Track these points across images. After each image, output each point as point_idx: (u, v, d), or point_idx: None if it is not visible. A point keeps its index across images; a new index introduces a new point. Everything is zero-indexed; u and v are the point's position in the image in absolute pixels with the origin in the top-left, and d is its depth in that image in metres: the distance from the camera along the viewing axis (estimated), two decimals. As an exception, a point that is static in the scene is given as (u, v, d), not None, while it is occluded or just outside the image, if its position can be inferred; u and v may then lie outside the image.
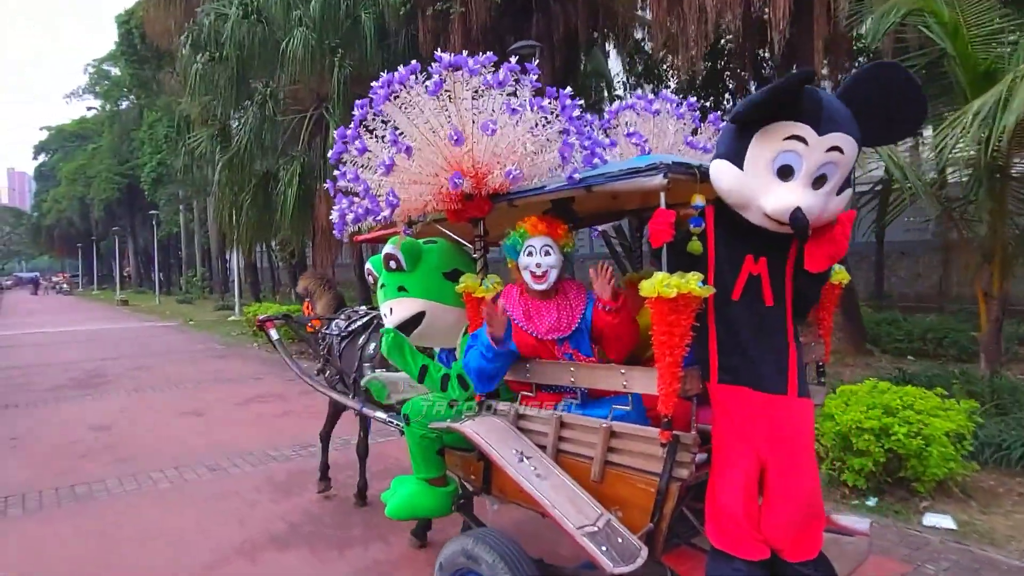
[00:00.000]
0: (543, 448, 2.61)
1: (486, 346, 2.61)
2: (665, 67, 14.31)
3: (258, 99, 12.00)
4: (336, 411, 4.93)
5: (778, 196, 2.09)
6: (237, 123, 13.00)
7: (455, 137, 2.53)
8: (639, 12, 12.41)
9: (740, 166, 2.15)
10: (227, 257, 36.21)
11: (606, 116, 3.30)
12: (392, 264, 3.08)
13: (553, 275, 2.69)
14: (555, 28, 11.94)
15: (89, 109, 52.74)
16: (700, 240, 2.27)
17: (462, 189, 2.60)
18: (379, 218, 2.85)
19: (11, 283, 66.58)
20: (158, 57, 27.30)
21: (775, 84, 2.05)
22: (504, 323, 2.61)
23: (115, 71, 45.66)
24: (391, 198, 2.68)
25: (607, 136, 3.18)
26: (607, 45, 15.19)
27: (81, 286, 63.03)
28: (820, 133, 2.05)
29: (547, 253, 2.67)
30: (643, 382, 2.28)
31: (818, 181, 2.10)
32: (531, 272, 2.68)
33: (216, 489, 5.23)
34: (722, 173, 2.20)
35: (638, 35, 14.30)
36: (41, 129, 63.93)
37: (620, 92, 17.58)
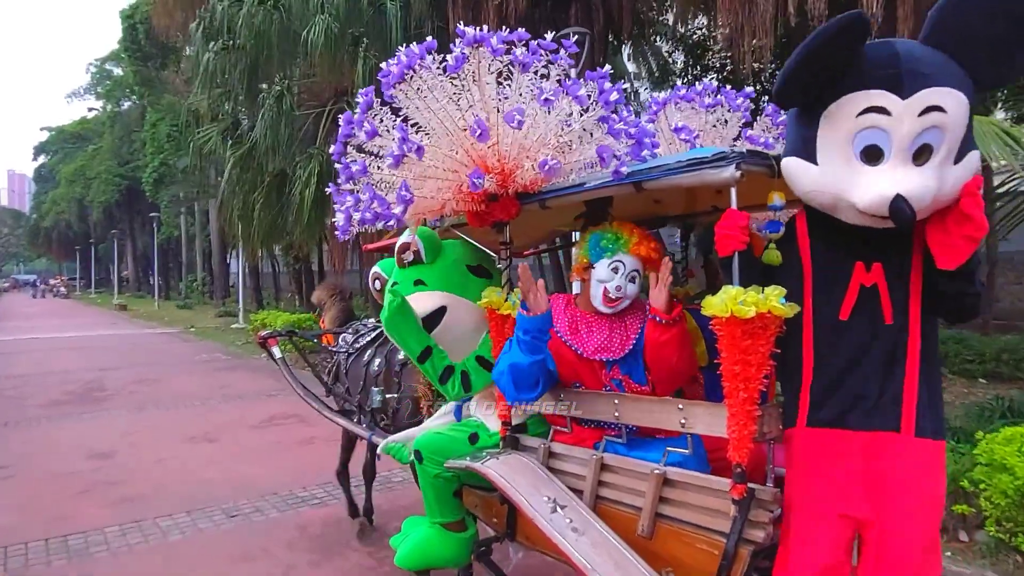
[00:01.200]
0: (579, 493, 2.28)
1: (524, 327, 2.24)
2: (713, 58, 13.45)
3: (275, 91, 11.11)
4: (350, 438, 4.51)
5: (869, 186, 1.71)
6: (250, 118, 12.07)
7: (478, 130, 2.14)
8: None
9: (813, 160, 1.80)
10: (228, 261, 35.54)
11: (651, 108, 2.86)
12: (409, 256, 2.74)
13: (625, 304, 2.33)
14: (595, 19, 11.14)
15: (90, 110, 52.31)
16: (787, 248, 1.94)
17: (484, 189, 2.24)
18: (390, 222, 2.43)
19: (8, 285, 65.60)
20: (163, 54, 26.68)
21: (806, 42, 1.66)
22: (546, 298, 2.28)
23: (117, 71, 45.15)
24: (404, 192, 2.26)
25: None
26: (646, 40, 14.38)
27: (79, 289, 62.11)
28: (904, 95, 1.66)
29: (633, 280, 2.31)
30: (707, 421, 1.96)
31: (920, 155, 1.70)
32: (605, 291, 2.29)
33: (239, 545, 4.30)
34: (795, 173, 1.85)
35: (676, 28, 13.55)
36: (42, 130, 63.10)
37: (644, 91, 16.91)
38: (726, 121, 2.81)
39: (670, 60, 16.10)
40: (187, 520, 4.73)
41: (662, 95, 2.88)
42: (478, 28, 2.22)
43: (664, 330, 2.15)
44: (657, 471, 2.08)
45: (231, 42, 11.21)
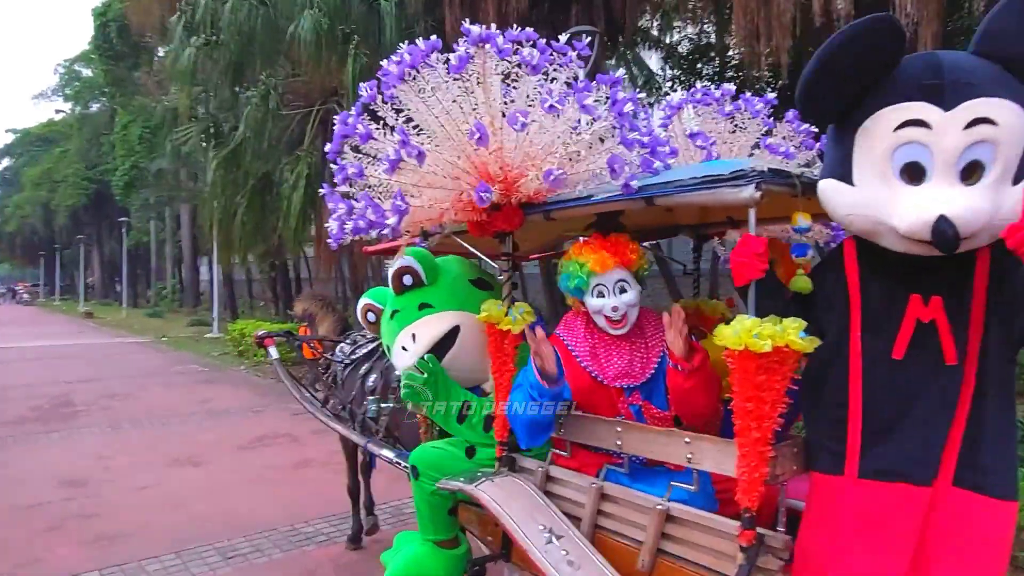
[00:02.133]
0: (577, 520, 2.18)
1: (536, 388, 2.10)
2: (707, 64, 13.19)
3: (260, 90, 10.53)
4: (352, 450, 4.29)
5: (910, 207, 1.56)
6: (233, 118, 11.46)
7: (478, 134, 2.02)
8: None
9: (850, 181, 1.67)
10: (199, 269, 34.57)
11: (665, 113, 2.74)
12: (407, 280, 2.61)
13: (633, 315, 2.21)
14: (597, 18, 10.77)
15: (58, 112, 50.77)
16: (833, 277, 1.81)
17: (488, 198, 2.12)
18: (384, 231, 2.25)
19: None
20: (135, 54, 25.79)
21: (828, 42, 1.56)
22: (553, 355, 2.13)
23: (87, 72, 43.90)
24: (399, 203, 2.14)
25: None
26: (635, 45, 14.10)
27: (42, 296, 60.13)
28: (947, 107, 1.53)
29: (623, 290, 2.18)
30: (716, 459, 1.84)
31: (970, 173, 1.54)
32: (606, 317, 2.19)
33: (241, 594, 3.77)
34: (832, 196, 1.71)
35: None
36: (7, 132, 61.01)
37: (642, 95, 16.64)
38: (744, 128, 2.65)
39: (662, 68, 15.88)
40: (177, 564, 4.16)
41: (676, 98, 2.73)
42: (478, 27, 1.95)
43: (686, 378, 2.03)
44: (660, 507, 1.97)
45: (213, 37, 10.62)
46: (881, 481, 1.70)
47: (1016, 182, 1.56)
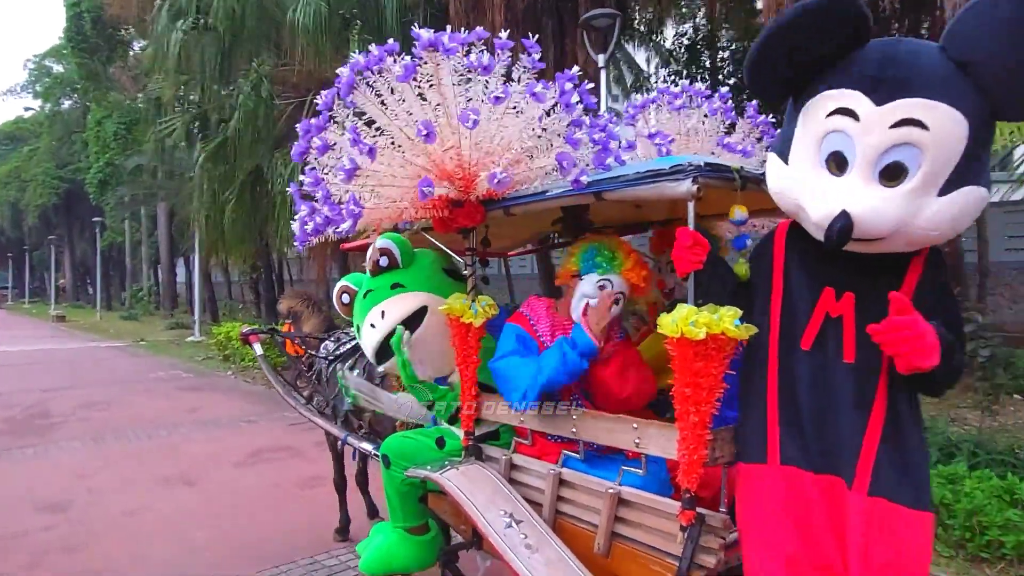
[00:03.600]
0: (538, 507, 2.26)
1: (584, 350, 2.11)
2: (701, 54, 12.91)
3: (252, 77, 9.87)
4: (339, 445, 4.26)
5: (824, 196, 1.55)
6: (221, 108, 10.75)
7: (425, 131, 2.06)
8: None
9: (786, 159, 1.67)
10: (176, 271, 33.55)
11: (629, 113, 2.78)
12: (384, 260, 2.70)
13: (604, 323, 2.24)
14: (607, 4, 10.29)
15: (27, 109, 49.14)
16: (763, 261, 1.84)
17: (448, 195, 2.25)
18: (339, 229, 2.35)
19: None
20: (110, 46, 24.85)
21: (782, 14, 1.51)
22: (612, 315, 2.21)
23: (58, 67, 42.54)
24: (352, 207, 2.22)
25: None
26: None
27: (10, 299, 58.29)
28: (879, 102, 1.46)
29: (617, 301, 2.26)
30: (661, 443, 1.89)
31: (889, 173, 1.49)
32: (586, 306, 2.24)
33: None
34: (770, 170, 1.74)
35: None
36: (-28, 130, 59.03)
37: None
38: (704, 126, 2.69)
39: (660, 65, 15.56)
40: (182, 607, 3.57)
41: (641, 98, 2.78)
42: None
43: (601, 367, 2.19)
44: (611, 490, 2.05)
45: (201, 21, 9.94)
46: (802, 469, 1.72)
47: (944, 193, 1.49)
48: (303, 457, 6.55)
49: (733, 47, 13.69)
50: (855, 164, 1.53)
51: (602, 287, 2.24)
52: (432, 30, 2.07)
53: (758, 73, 1.65)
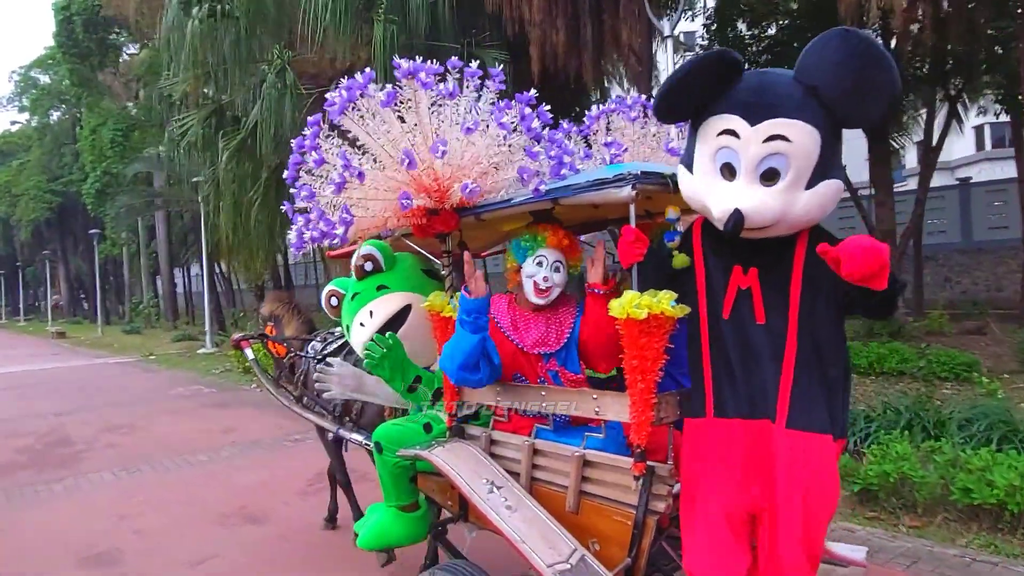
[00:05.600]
0: (516, 476, 2.53)
1: (464, 302, 2.45)
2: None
3: (276, 64, 9.04)
4: (331, 438, 4.44)
5: (720, 197, 1.95)
6: (239, 102, 9.90)
7: (407, 160, 2.39)
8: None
9: (691, 170, 2.06)
10: (175, 281, 32.63)
11: (586, 123, 3.02)
12: (368, 265, 2.96)
13: (555, 293, 2.59)
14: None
15: (13, 123, 48.17)
16: (689, 253, 2.16)
17: (425, 205, 2.52)
18: (334, 241, 2.64)
19: None
20: (102, 51, 23.93)
21: (681, 66, 1.98)
22: (484, 284, 2.49)
23: (45, 78, 41.52)
24: (344, 215, 2.56)
25: (588, 145, 3.00)
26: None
27: (5, 317, 57.12)
28: (753, 123, 1.89)
29: (557, 269, 2.57)
30: (616, 409, 2.20)
31: (769, 176, 1.91)
32: (535, 283, 2.55)
33: None
34: (681, 179, 2.11)
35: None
36: (-42, 145, 57.60)
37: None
38: (652, 133, 2.98)
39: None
40: None
41: (597, 109, 2.99)
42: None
43: (601, 301, 2.32)
44: (577, 453, 2.33)
45: (218, 6, 9.10)
46: (730, 418, 2.07)
47: (809, 187, 1.92)
48: (369, 480, 5.73)
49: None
50: (741, 171, 1.91)
51: (539, 263, 2.53)
52: (414, 67, 2.34)
53: (666, 108, 2.06)
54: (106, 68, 26.29)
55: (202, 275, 19.88)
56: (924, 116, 13.69)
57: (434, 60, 2.41)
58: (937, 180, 15.84)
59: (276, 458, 6.84)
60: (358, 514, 4.41)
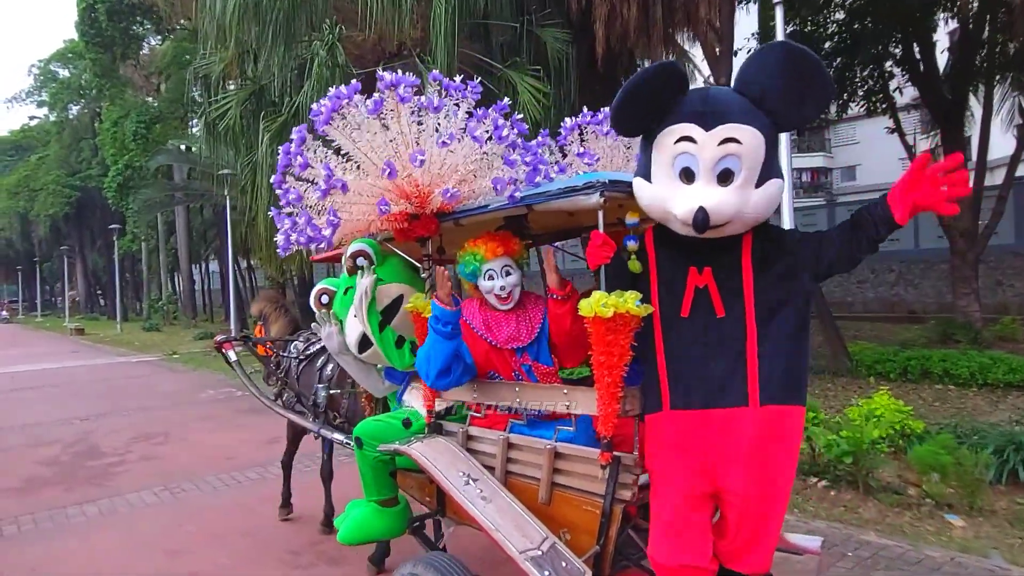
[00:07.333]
0: (492, 470, 2.62)
1: (436, 310, 2.58)
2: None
3: (327, 41, 8.23)
4: (296, 435, 4.95)
5: (683, 199, 2.06)
6: (284, 82, 9.10)
7: (388, 170, 2.50)
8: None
9: (649, 180, 2.16)
10: (194, 277, 32.06)
11: (561, 135, 3.20)
12: (361, 261, 3.03)
13: (517, 292, 2.69)
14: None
15: (32, 119, 47.77)
16: (643, 258, 2.26)
17: (406, 210, 2.61)
18: (321, 244, 2.74)
19: None
20: (125, 41, 23.30)
21: (630, 81, 2.06)
22: (450, 286, 2.63)
23: (64, 72, 41.12)
24: (332, 218, 2.62)
25: (563, 155, 3.16)
26: None
27: (22, 312, 56.85)
28: (707, 128, 2.03)
29: (508, 273, 2.66)
30: (586, 403, 2.31)
31: (724, 176, 2.05)
32: (496, 296, 2.67)
33: None
34: (639, 191, 2.20)
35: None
36: (-23, 140, 57.30)
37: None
38: (624, 144, 3.17)
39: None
40: None
41: (570, 121, 3.17)
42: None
43: (561, 304, 2.51)
44: (549, 447, 2.43)
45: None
46: (688, 410, 2.16)
47: (758, 185, 2.07)
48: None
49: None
50: (700, 173, 2.05)
51: (490, 277, 2.65)
52: (395, 71, 2.50)
53: (620, 120, 2.17)
54: (128, 60, 25.67)
55: (225, 271, 19.14)
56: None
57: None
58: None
59: (338, 475, 6.02)
60: (287, 493, 5.03)
